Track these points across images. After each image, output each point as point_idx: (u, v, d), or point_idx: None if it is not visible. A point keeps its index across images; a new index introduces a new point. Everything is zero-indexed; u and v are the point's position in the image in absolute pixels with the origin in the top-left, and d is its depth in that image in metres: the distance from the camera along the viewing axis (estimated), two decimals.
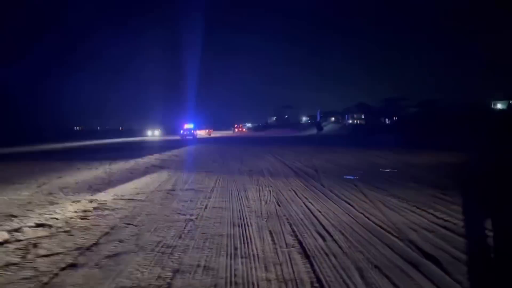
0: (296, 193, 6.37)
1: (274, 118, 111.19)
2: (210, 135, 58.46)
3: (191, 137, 44.52)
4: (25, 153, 18.77)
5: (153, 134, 62.57)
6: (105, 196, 6.39)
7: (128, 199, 6.16)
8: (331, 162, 11.32)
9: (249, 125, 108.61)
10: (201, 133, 57.46)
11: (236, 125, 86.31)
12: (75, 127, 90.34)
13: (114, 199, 6.16)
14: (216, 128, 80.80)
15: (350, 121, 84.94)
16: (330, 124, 75.05)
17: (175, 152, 17.64)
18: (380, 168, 9.47)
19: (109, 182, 8.17)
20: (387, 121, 76.09)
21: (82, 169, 10.62)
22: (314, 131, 29.34)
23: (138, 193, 6.67)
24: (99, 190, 7.02)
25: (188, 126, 45.87)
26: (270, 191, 6.63)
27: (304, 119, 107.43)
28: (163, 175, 9.31)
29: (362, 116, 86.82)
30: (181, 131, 45.24)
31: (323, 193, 6.28)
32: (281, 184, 7.42)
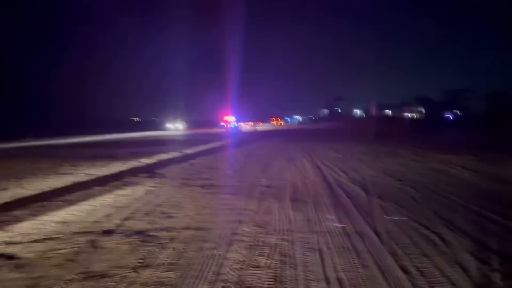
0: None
1: (326, 111, 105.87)
2: (255, 128, 55.83)
3: (234, 130, 42.14)
4: None
5: (175, 127, 49.38)
6: None
7: None
8: (389, 174, 7.82)
9: (298, 117, 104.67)
10: (246, 126, 55.07)
11: (271, 118, 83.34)
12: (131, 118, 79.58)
13: None
14: (263, 120, 77.93)
15: (409, 115, 77.87)
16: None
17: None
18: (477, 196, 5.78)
19: None
20: (449, 115, 68.40)
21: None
22: None
23: None
24: None
25: (230, 118, 43.55)
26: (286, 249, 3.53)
27: (357, 112, 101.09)
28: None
29: (422, 110, 79.44)
30: (223, 124, 43.07)
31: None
32: (302, 235, 4.25)
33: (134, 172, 8.86)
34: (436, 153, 11.05)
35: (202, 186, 6.78)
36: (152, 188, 6.74)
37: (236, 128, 43.03)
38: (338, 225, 4.27)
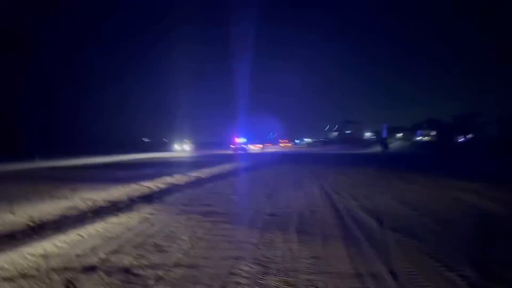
0: None
1: (336, 134, 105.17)
2: (263, 149, 55.45)
3: (243, 152, 41.87)
4: None
5: (182, 148, 48.66)
6: None
7: None
8: (405, 202, 7.23)
9: (308, 140, 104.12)
10: (255, 148, 54.79)
11: (281, 140, 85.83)
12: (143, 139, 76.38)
13: None
14: (273, 143, 77.76)
15: (420, 138, 76.76)
16: (398, 141, 67.85)
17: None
18: None
19: None
20: (460, 139, 67.04)
21: None
22: (378, 148, 24.58)
23: None
24: None
25: (239, 140, 43.33)
26: None
27: (367, 134, 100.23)
28: None
29: (433, 133, 78.27)
30: (232, 146, 42.80)
31: None
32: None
33: (132, 197, 8.45)
34: (454, 179, 10.42)
35: (202, 214, 6.30)
36: (148, 216, 6.29)
37: (244, 149, 42.69)
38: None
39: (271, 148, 60.29)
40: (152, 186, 10.40)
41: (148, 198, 8.18)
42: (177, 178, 12.31)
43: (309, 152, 45.05)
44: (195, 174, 13.85)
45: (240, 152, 41.43)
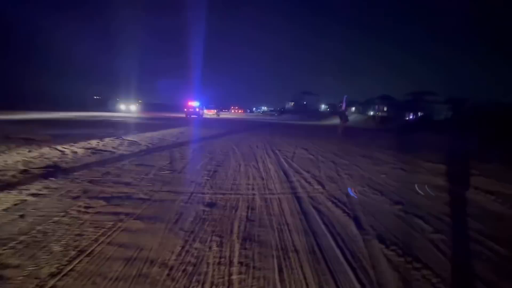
0: None
1: (292, 104, 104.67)
2: (218, 115, 53.24)
3: (196, 116, 39.53)
4: None
5: (128, 108, 45.38)
6: None
7: None
8: (379, 189, 5.84)
9: (264, 108, 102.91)
10: (209, 113, 52.45)
11: (232, 107, 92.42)
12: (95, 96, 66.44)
13: None
14: (228, 109, 76.09)
15: (372, 113, 78.56)
16: (354, 115, 68.49)
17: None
18: None
19: None
20: (411, 116, 69.30)
21: None
22: (336, 120, 23.61)
23: None
24: None
25: (193, 103, 40.63)
26: None
27: (323, 106, 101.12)
28: None
29: (385, 109, 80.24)
30: (185, 110, 40.09)
31: None
32: None
33: (31, 165, 6.31)
34: (423, 160, 9.25)
35: (109, 199, 4.41)
36: (30, 198, 4.28)
37: (198, 113, 40.26)
38: None
39: (226, 115, 58.14)
40: (67, 151, 8.21)
41: (50, 168, 6.08)
42: (105, 142, 10.11)
43: (264, 121, 43.50)
44: (130, 138, 11.68)
45: (193, 116, 39.09)
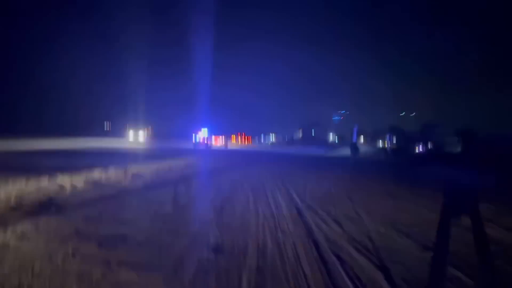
0: None
1: (300, 135, 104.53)
2: (227, 147, 52.25)
3: (205, 148, 38.85)
4: None
5: (136, 138, 44.01)
6: None
7: None
8: (405, 232, 5.24)
9: (272, 140, 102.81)
10: (216, 144, 51.62)
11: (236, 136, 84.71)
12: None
13: None
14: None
15: (382, 145, 77.76)
16: (363, 146, 67.88)
17: None
18: None
19: None
20: (421, 147, 68.35)
21: None
22: (346, 151, 23.03)
23: None
24: None
25: (202, 133, 40.15)
26: None
27: (331, 137, 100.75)
28: None
29: (394, 140, 79.30)
30: (194, 141, 39.52)
31: None
32: None
33: (26, 199, 5.89)
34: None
35: (102, 243, 3.91)
36: (13, 242, 3.81)
37: (206, 145, 39.53)
38: None
39: (234, 146, 57.50)
40: (67, 185, 7.81)
41: (45, 204, 5.65)
42: (109, 174, 9.71)
43: (273, 152, 43.02)
44: (135, 170, 11.27)
45: (201, 148, 38.26)
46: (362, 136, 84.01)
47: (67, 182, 8.05)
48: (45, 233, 4.15)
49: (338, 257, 3.82)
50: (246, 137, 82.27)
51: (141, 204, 6.09)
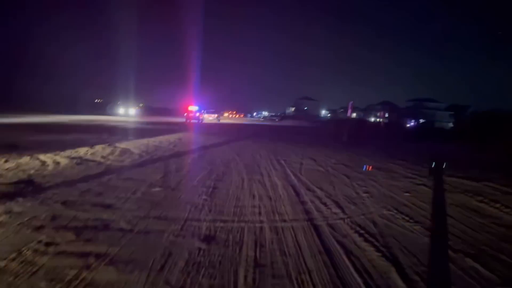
0: None
1: (293, 109, 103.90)
2: (219, 120, 51.98)
3: (196, 121, 38.46)
4: None
5: (126, 112, 43.72)
6: None
7: None
8: (408, 214, 4.94)
9: (265, 113, 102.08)
10: (209, 117, 51.25)
11: (230, 111, 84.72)
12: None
13: None
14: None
15: (373, 120, 77.98)
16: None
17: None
18: None
19: None
20: (412, 122, 68.53)
21: None
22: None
23: None
24: None
25: (193, 108, 39.65)
26: None
27: (323, 112, 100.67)
28: None
29: (386, 115, 79.64)
30: (185, 115, 39.05)
31: None
32: None
33: (3, 178, 5.44)
34: (445, 175, 8.33)
35: (80, 230, 3.50)
36: None
37: (198, 118, 39.14)
38: None
39: (226, 119, 57.05)
40: (49, 161, 7.33)
41: (21, 184, 5.19)
42: (94, 151, 9.21)
43: (265, 125, 42.53)
44: (124, 145, 10.77)
45: (193, 121, 37.96)
46: (355, 111, 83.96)
47: (50, 159, 7.56)
48: (17, 219, 3.72)
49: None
50: (238, 114, 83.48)
51: (126, 183, 5.67)
